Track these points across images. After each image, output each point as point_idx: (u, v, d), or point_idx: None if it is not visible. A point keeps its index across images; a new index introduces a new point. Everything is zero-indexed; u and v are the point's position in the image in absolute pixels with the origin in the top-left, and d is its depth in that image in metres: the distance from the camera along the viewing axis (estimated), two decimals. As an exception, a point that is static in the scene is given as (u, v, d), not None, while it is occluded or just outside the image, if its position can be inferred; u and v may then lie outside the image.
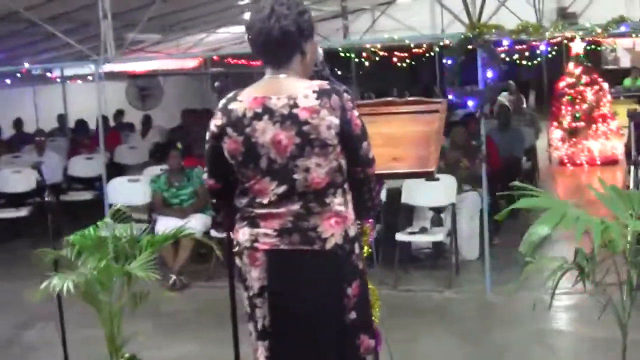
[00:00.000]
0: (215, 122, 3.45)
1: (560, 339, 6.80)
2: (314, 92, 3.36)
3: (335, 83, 3.53)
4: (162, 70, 17.62)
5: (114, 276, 4.54)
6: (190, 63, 19.73)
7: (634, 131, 7.61)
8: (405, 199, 8.77)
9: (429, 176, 3.95)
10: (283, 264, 3.42)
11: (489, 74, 7.55)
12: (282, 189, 3.38)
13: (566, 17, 20.56)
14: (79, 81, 17.36)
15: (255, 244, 3.44)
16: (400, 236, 8.53)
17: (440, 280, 8.43)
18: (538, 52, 18.54)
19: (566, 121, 15.08)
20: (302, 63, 3.50)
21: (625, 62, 21.38)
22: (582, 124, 14.96)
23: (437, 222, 8.87)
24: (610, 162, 14.99)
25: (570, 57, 15.58)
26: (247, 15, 17.34)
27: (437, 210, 8.90)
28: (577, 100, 15.02)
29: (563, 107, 15.19)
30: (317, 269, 3.41)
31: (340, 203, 3.44)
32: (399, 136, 3.77)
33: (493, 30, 7.58)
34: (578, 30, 7.76)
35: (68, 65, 14.70)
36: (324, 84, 3.42)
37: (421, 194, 8.81)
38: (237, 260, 3.54)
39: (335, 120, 3.33)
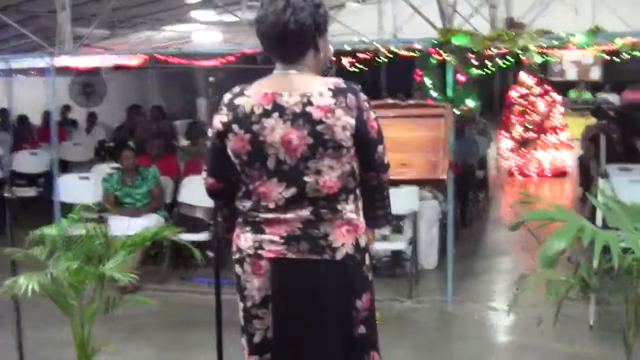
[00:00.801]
0: (221, 118, 3.23)
1: (523, 353, 6.67)
2: (329, 89, 3.15)
3: (350, 82, 3.30)
4: (106, 67, 17.21)
5: (88, 279, 4.23)
6: (134, 61, 19.31)
7: (604, 144, 7.49)
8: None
9: (440, 184, 3.78)
10: (289, 273, 3.21)
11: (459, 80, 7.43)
12: (291, 192, 3.17)
13: (515, 27, 20.71)
14: (21, 75, 16.82)
15: (260, 252, 3.23)
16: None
17: (400, 290, 8.24)
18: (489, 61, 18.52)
19: (516, 131, 15.04)
20: (315, 59, 3.29)
21: (571, 74, 21.51)
22: (532, 134, 14.94)
23: (396, 229, 8.69)
24: (559, 173, 15.03)
25: (521, 67, 15.56)
26: (197, 14, 17.25)
27: (397, 218, 8.72)
28: (529, 111, 15.01)
29: (514, 116, 15.15)
30: (326, 280, 3.20)
31: (352, 210, 3.25)
32: (405, 140, 3.59)
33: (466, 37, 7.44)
34: (552, 40, 7.61)
35: (17, 58, 14.24)
36: (340, 82, 3.21)
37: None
38: (237, 268, 3.32)
39: (351, 121, 3.13)
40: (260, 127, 3.14)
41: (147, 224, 8.39)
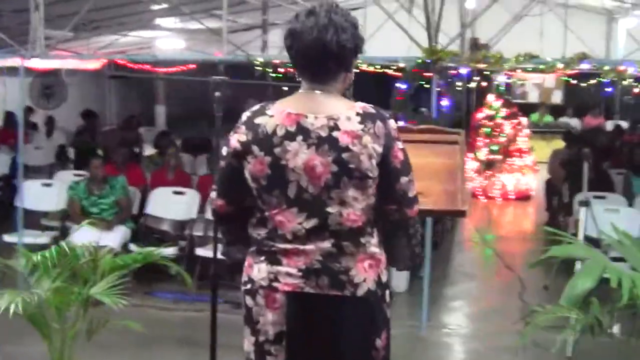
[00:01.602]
0: (239, 137, 2.99)
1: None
2: (357, 114, 2.95)
3: (379, 108, 3.09)
4: (67, 70, 16.85)
5: (73, 300, 3.95)
6: (95, 64, 18.96)
7: (587, 171, 7.39)
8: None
9: (461, 216, 3.57)
10: (307, 309, 2.98)
11: (444, 102, 7.31)
12: (311, 223, 2.95)
13: (479, 48, 20.76)
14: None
15: (275, 284, 3.00)
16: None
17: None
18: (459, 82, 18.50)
19: (482, 153, 14.95)
20: (344, 81, 3.08)
21: (533, 97, 21.67)
22: (498, 156, 14.87)
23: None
24: (523, 197, 14.96)
25: (488, 89, 15.52)
26: (161, 20, 16.96)
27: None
28: (495, 133, 14.94)
29: (480, 138, 15.06)
30: (346, 318, 2.99)
31: (376, 244, 3.05)
32: (419, 167, 3.36)
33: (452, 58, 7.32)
34: (538, 64, 7.52)
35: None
36: (368, 107, 3.00)
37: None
38: (248, 300, 3.09)
39: (379, 149, 2.93)
40: (282, 150, 2.92)
41: (114, 236, 8.16)
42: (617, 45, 18.50)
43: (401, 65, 7.77)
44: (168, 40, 18.38)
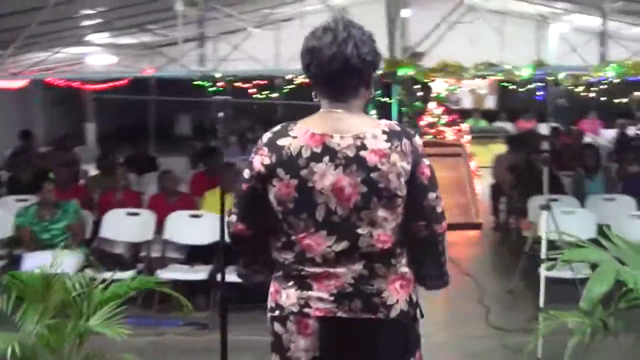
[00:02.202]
0: (262, 160, 2.89)
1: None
2: (383, 132, 2.87)
3: (404, 125, 3.03)
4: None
5: (69, 336, 3.73)
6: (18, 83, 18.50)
7: (547, 176, 7.43)
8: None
9: (476, 229, 3.49)
10: (340, 333, 2.89)
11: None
12: (341, 246, 2.85)
13: (414, 56, 20.94)
14: None
15: (306, 310, 2.90)
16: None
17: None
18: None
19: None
20: (364, 97, 3.00)
21: (466, 103, 21.90)
22: (441, 163, 14.91)
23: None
24: (466, 201, 15.00)
25: (428, 97, 15.58)
26: (92, 36, 16.59)
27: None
28: (437, 139, 14.98)
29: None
30: (380, 341, 2.91)
31: (406, 264, 2.97)
32: None
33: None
34: (497, 72, 7.56)
35: None
36: (393, 124, 2.94)
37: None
38: (277, 327, 2.97)
39: (407, 167, 2.86)
40: (308, 172, 2.83)
41: (70, 261, 7.87)
42: (549, 50, 18.75)
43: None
44: (98, 57, 18.05)
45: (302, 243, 2.87)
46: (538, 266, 7.22)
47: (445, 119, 15.13)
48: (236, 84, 16.49)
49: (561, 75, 8.19)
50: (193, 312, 7.65)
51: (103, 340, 7.36)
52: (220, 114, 3.64)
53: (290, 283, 2.92)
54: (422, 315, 3.07)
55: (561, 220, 7.30)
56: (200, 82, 15.77)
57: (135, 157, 12.66)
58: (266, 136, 2.95)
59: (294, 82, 17.01)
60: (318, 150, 2.83)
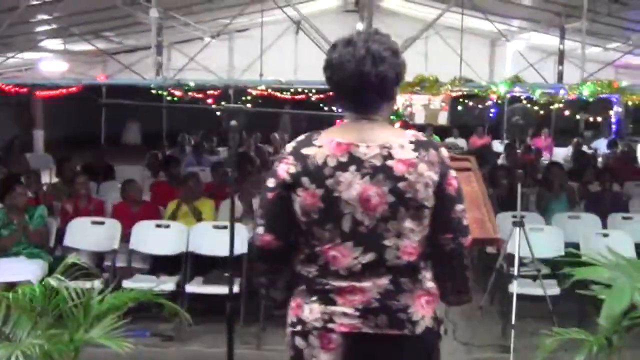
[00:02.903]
0: (287, 169, 2.81)
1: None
2: (410, 142, 2.82)
3: (428, 136, 2.98)
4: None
5: (68, 348, 3.59)
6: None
7: (519, 192, 7.44)
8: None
9: (494, 244, 3.45)
10: (365, 349, 2.83)
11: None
12: (368, 257, 2.79)
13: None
14: None
15: (330, 325, 2.82)
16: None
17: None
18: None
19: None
20: (388, 108, 2.95)
21: (419, 118, 22.00)
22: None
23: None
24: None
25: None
26: (46, 42, 16.32)
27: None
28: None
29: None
30: (405, 357, 2.86)
31: (431, 278, 2.91)
32: None
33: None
34: (474, 87, 7.57)
35: None
36: (419, 135, 2.89)
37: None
38: (298, 341, 2.89)
39: (435, 177, 2.81)
40: (334, 181, 2.76)
41: (33, 269, 7.71)
42: (505, 67, 18.97)
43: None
44: (51, 63, 17.79)
45: (327, 255, 2.81)
46: (509, 282, 7.20)
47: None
48: (190, 93, 16.27)
49: (537, 94, 8.31)
50: (159, 323, 7.70)
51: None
52: (233, 122, 3.53)
53: (314, 298, 2.85)
54: (445, 332, 3.02)
55: (530, 237, 7.29)
56: (159, 91, 15.59)
57: (92, 165, 12.42)
58: (290, 146, 2.88)
59: (250, 93, 16.87)
60: (344, 159, 2.77)
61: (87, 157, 13.93)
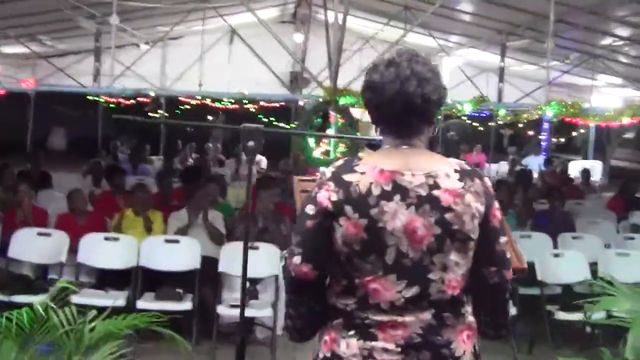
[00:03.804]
0: (329, 196, 2.66)
1: None
2: (455, 171, 2.71)
3: (470, 164, 2.87)
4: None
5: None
6: None
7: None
8: (223, 267, 8.01)
9: (523, 274, 3.35)
10: None
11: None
12: (412, 292, 2.65)
13: (301, 81, 21.11)
14: None
15: None
16: (222, 309, 7.70)
17: (259, 358, 7.69)
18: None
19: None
20: (428, 132, 2.83)
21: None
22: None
23: (252, 294, 8.12)
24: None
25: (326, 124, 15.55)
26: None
27: (253, 282, 8.18)
28: (333, 167, 14.88)
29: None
30: None
31: (471, 313, 2.80)
32: None
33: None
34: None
35: None
36: (463, 163, 2.78)
37: (239, 263, 8.08)
38: None
39: (481, 208, 2.70)
40: (379, 211, 2.61)
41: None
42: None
43: (300, 103, 7.54)
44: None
45: (368, 287, 2.67)
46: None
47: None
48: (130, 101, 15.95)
49: (502, 113, 8.35)
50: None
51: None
52: (251, 143, 3.36)
53: (352, 332, 2.70)
54: None
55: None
56: (97, 98, 15.24)
57: (28, 172, 11.97)
58: (329, 171, 2.73)
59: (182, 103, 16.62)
60: (388, 188, 2.64)
61: (19, 163, 13.46)
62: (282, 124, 17.08)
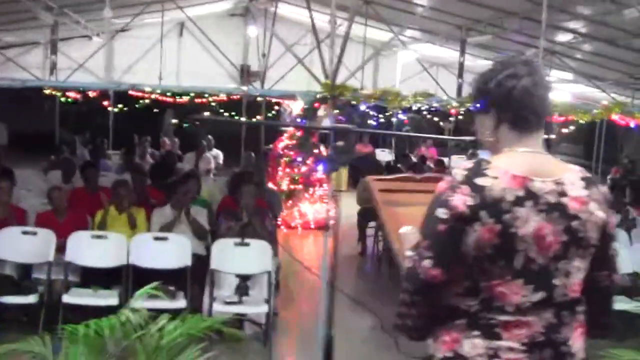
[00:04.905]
0: (465, 200, 2.64)
1: None
2: (581, 178, 2.76)
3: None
4: None
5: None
6: None
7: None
8: (214, 265, 7.93)
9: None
10: None
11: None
12: (538, 296, 2.71)
13: (251, 75, 20.98)
14: None
15: None
16: (218, 307, 7.60)
17: (254, 356, 7.61)
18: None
19: (284, 183, 14.79)
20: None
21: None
22: (299, 186, 14.76)
23: (243, 290, 8.04)
24: (323, 226, 14.91)
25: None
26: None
27: (244, 278, 8.10)
28: (296, 163, 14.83)
29: (281, 168, 14.89)
30: None
31: (584, 311, 2.86)
32: None
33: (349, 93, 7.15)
34: (432, 101, 7.56)
35: None
36: (584, 170, 2.83)
37: (231, 260, 8.04)
38: None
39: (603, 216, 2.77)
40: (511, 217, 2.63)
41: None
42: (394, 76, 19.16)
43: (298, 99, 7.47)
44: None
45: (494, 290, 2.69)
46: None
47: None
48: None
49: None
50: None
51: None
52: (340, 143, 3.30)
53: (476, 332, 2.73)
54: None
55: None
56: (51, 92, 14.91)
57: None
58: (460, 173, 2.71)
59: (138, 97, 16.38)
60: (520, 193, 2.65)
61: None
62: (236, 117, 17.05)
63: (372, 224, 12.76)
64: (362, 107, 8.25)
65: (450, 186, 2.69)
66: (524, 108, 2.74)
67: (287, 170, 14.78)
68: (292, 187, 14.75)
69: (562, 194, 2.69)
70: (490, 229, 2.62)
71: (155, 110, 18.76)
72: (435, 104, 7.57)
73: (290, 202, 14.66)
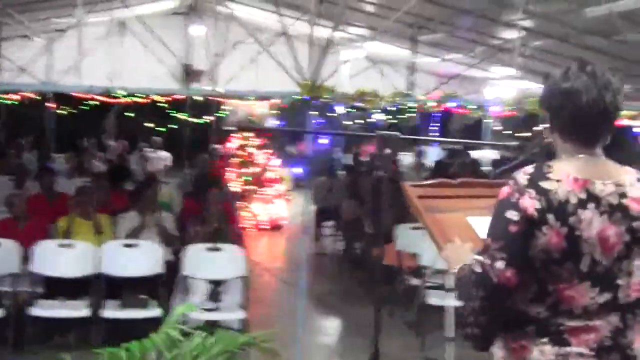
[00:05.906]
0: (533, 204, 2.65)
1: None
2: (637, 180, 2.81)
3: None
4: None
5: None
6: None
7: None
8: (186, 270, 7.78)
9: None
10: None
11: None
12: (604, 297, 2.72)
13: (193, 74, 20.77)
14: None
15: None
16: (193, 314, 7.42)
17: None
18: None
19: (237, 183, 14.67)
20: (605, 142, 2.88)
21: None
22: (251, 186, 14.68)
23: (216, 297, 7.91)
24: (275, 226, 14.91)
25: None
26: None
27: (216, 284, 7.96)
28: (247, 162, 14.75)
29: (233, 168, 14.78)
30: None
31: None
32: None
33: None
34: (409, 101, 7.52)
35: None
36: (639, 172, 2.86)
37: (204, 265, 7.89)
38: None
39: None
40: (576, 220, 2.65)
41: None
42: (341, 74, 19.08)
43: (275, 100, 7.34)
44: None
45: (562, 294, 2.70)
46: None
47: (257, 141, 14.93)
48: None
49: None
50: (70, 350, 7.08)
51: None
52: (387, 151, 3.21)
53: (545, 339, 2.72)
54: None
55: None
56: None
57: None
58: (524, 177, 2.71)
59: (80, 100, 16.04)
60: (583, 196, 2.68)
61: None
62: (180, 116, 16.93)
63: (328, 223, 12.79)
64: (340, 109, 8.16)
65: (517, 189, 2.69)
66: (587, 115, 2.74)
67: (242, 170, 14.71)
68: (245, 187, 14.69)
69: (623, 195, 2.72)
70: (557, 233, 2.63)
71: (98, 111, 18.39)
72: (410, 104, 7.58)
73: (242, 202, 14.54)
